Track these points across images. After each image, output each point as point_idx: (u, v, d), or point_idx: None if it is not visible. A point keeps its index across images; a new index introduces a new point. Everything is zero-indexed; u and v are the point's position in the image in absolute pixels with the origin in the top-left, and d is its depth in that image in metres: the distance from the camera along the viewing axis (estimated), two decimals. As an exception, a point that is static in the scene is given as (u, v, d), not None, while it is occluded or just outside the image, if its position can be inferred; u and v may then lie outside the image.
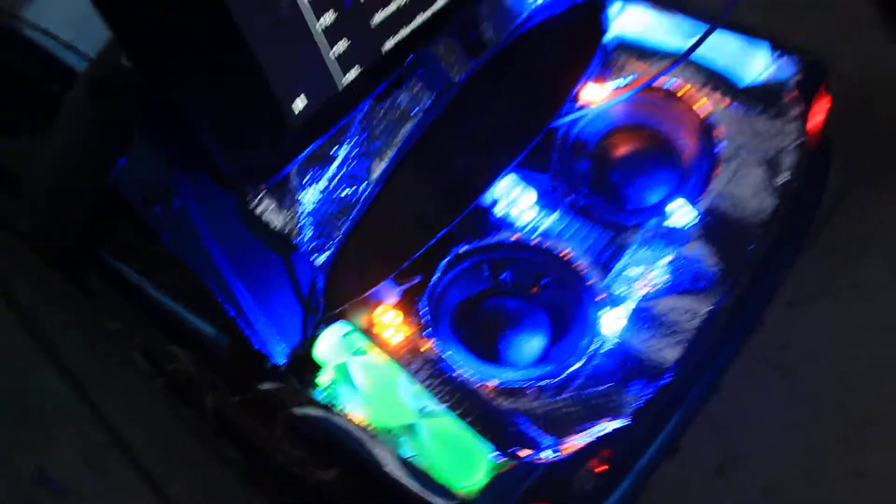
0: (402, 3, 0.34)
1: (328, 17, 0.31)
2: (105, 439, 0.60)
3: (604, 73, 0.44)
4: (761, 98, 0.43)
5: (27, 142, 0.47)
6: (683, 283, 0.37)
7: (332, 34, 0.32)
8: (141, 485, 0.56)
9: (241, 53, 0.29)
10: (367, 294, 0.39)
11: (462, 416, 0.33)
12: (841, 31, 0.73)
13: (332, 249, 0.34)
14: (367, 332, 0.38)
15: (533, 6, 0.40)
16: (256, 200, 0.33)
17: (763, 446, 0.59)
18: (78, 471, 0.59)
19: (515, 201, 0.41)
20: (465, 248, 0.40)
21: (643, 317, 0.36)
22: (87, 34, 0.42)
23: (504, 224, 0.41)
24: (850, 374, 0.62)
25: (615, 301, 0.38)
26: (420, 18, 0.35)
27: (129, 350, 0.52)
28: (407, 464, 0.32)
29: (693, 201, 0.40)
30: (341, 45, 0.32)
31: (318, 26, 0.31)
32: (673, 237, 0.39)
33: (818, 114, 0.43)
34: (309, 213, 0.34)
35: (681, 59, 0.43)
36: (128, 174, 0.31)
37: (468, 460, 0.32)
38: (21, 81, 0.44)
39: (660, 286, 0.37)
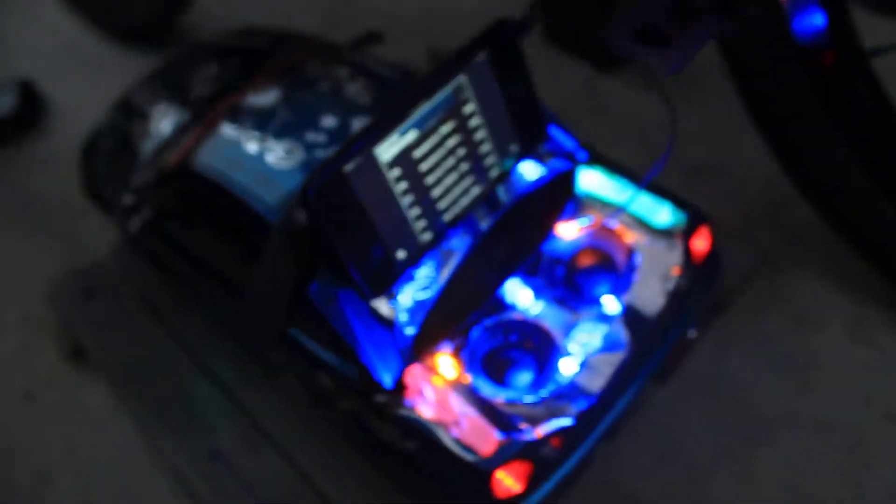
0: (455, 194, 0.65)
1: (416, 210, 0.63)
2: (252, 429, 0.92)
3: (573, 215, 0.75)
4: (663, 235, 0.72)
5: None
6: (609, 347, 0.67)
7: (417, 217, 0.63)
8: (281, 460, 0.87)
9: (371, 231, 0.60)
10: (433, 348, 0.70)
11: (483, 415, 0.63)
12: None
13: (416, 326, 0.65)
14: (433, 370, 0.69)
15: (533, 177, 0.70)
16: (376, 302, 0.65)
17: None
18: (237, 452, 0.91)
19: (517, 293, 0.73)
20: (489, 321, 0.71)
21: (584, 364, 0.67)
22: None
23: (510, 307, 0.72)
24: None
25: (569, 354, 0.68)
26: (465, 201, 0.66)
27: (279, 372, 0.85)
28: (453, 439, 0.63)
29: (619, 297, 0.70)
30: (422, 222, 0.63)
31: (410, 215, 0.62)
32: (605, 319, 0.69)
33: (699, 243, 0.73)
34: (404, 306, 0.65)
35: (619, 211, 0.73)
36: (317, 288, 0.63)
37: (486, 438, 0.62)
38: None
39: (595, 348, 0.68)
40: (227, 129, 0.79)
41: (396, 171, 0.59)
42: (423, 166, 0.61)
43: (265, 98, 0.81)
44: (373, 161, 0.57)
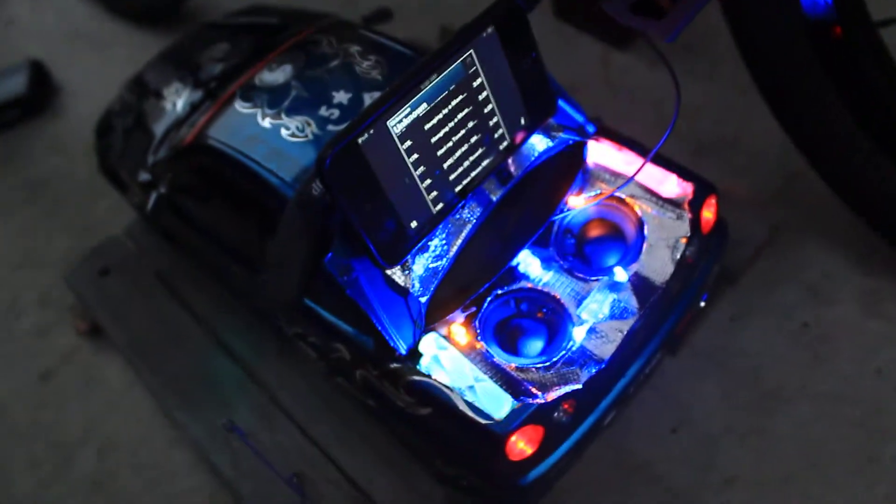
0: (466, 165, 0.68)
1: (428, 181, 0.65)
2: (268, 402, 0.96)
3: (582, 187, 0.77)
4: (671, 206, 0.75)
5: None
6: (618, 314, 0.70)
7: (429, 188, 0.66)
8: (297, 431, 0.91)
9: (385, 202, 0.63)
10: (447, 317, 0.73)
11: (496, 380, 0.66)
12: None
13: (429, 294, 0.68)
14: (447, 337, 0.72)
15: (542, 150, 0.73)
16: (391, 271, 0.68)
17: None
18: (254, 424, 0.95)
19: (529, 264, 0.75)
20: (500, 290, 0.74)
21: (592, 330, 0.70)
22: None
23: (523, 277, 0.74)
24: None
25: (580, 322, 0.71)
26: (475, 172, 0.69)
27: (294, 344, 0.88)
28: (467, 403, 0.66)
29: (627, 267, 0.73)
30: (434, 193, 0.66)
31: (422, 186, 0.65)
32: (614, 288, 0.71)
33: (707, 213, 0.75)
34: (417, 275, 0.68)
35: (628, 181, 0.75)
36: (333, 259, 0.66)
37: (499, 403, 0.66)
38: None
39: (604, 315, 0.71)
40: (241, 106, 0.82)
41: (408, 143, 0.62)
42: (434, 138, 0.64)
43: (278, 75, 0.84)
44: (385, 133, 0.60)
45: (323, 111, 0.78)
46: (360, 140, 0.59)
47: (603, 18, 0.66)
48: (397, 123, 0.61)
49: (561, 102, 0.75)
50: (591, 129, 0.76)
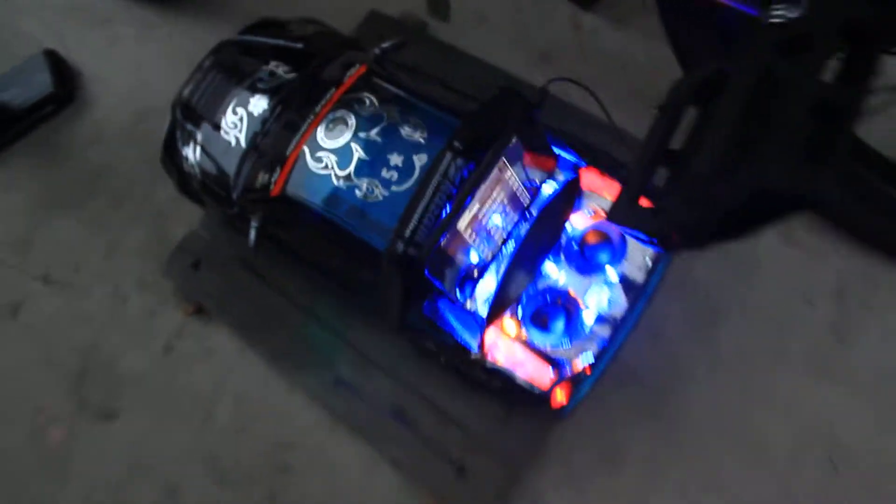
0: (503, 224, 1.03)
1: (481, 245, 1.01)
2: (362, 358, 1.37)
3: (580, 209, 1.13)
4: None
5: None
6: (612, 306, 1.09)
7: (480, 247, 1.01)
8: (390, 379, 1.32)
9: (456, 268, 1.00)
10: (499, 317, 1.12)
11: (538, 357, 1.08)
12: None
13: (488, 310, 1.06)
14: (501, 331, 1.11)
15: (550, 192, 1.08)
16: (460, 297, 1.06)
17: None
18: (354, 377, 1.35)
19: (548, 267, 1.13)
20: (532, 288, 1.13)
21: (599, 318, 1.10)
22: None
23: (545, 277, 1.13)
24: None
25: (587, 308, 1.11)
26: (509, 226, 1.04)
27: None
28: (523, 379, 1.07)
29: (616, 266, 1.11)
30: (483, 248, 1.02)
31: (477, 248, 1.01)
32: (609, 285, 1.10)
33: None
34: (479, 298, 1.06)
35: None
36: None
37: (543, 376, 1.07)
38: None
39: (602, 305, 1.10)
40: (314, 167, 1.13)
41: (469, 230, 0.97)
42: (484, 219, 0.99)
43: (336, 135, 1.14)
44: (455, 230, 0.95)
45: (384, 173, 1.10)
46: (441, 243, 0.94)
47: None
48: (462, 221, 0.95)
49: (556, 149, 1.08)
50: (581, 164, 1.11)
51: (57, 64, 1.77)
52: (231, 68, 1.33)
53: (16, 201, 1.69)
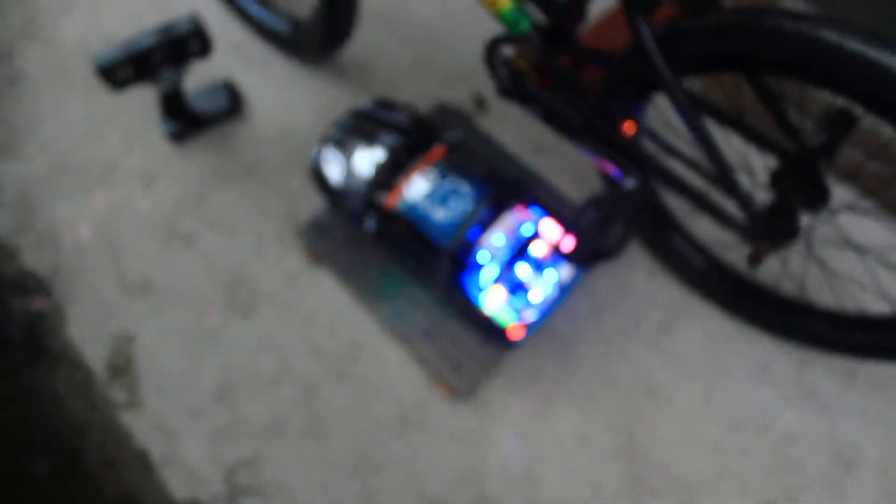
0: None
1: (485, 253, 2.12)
2: (412, 303, 2.45)
3: (538, 237, 2.26)
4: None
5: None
6: (553, 291, 2.18)
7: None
8: (423, 312, 2.43)
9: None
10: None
11: (509, 310, 2.18)
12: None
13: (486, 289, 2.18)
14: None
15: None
16: (475, 275, 2.17)
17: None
18: (406, 311, 2.43)
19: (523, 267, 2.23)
20: (514, 278, 2.24)
21: (545, 299, 2.16)
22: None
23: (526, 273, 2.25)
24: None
25: (537, 289, 2.18)
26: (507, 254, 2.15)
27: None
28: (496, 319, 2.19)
29: (558, 269, 2.21)
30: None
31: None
32: (555, 281, 2.21)
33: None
34: (483, 277, 2.17)
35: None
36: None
37: (512, 320, 2.18)
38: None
39: (549, 293, 2.19)
40: (412, 199, 2.21)
41: (486, 242, 2.07)
42: (492, 238, 2.09)
43: (426, 181, 2.21)
44: (479, 242, 2.05)
45: (447, 205, 2.18)
46: (472, 246, 2.04)
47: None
48: (483, 238, 2.06)
49: (534, 207, 2.19)
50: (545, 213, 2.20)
51: (231, 89, 2.31)
52: (363, 126, 1.98)
53: (196, 171, 2.19)
